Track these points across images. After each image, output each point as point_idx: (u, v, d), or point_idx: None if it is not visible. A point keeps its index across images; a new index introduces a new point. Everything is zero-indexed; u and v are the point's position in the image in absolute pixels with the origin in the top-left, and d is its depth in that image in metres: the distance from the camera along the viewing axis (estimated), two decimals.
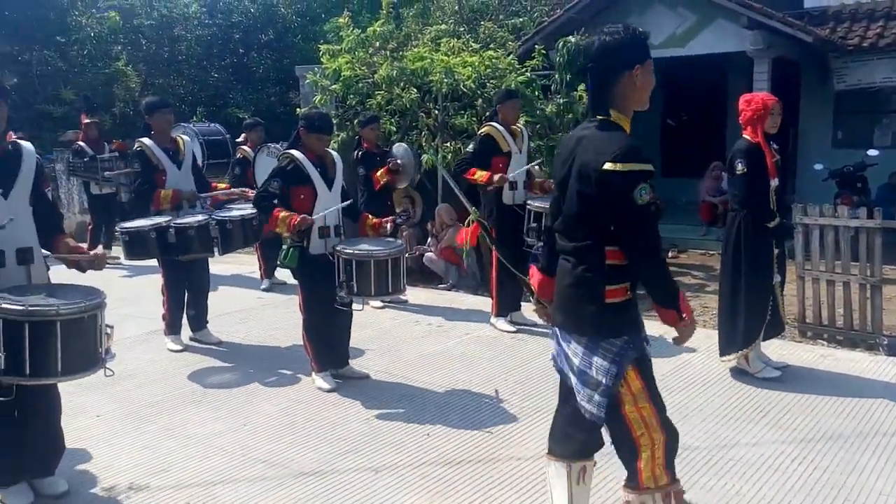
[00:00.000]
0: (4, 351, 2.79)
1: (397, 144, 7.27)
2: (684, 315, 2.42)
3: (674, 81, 12.24)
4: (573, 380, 2.46)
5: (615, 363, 2.35)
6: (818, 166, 10.17)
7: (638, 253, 2.33)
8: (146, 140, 5.10)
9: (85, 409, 4.20)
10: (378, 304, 6.27)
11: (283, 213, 4.28)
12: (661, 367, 4.75)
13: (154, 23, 16.58)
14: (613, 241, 2.34)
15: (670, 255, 9.34)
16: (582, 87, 7.81)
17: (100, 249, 4.90)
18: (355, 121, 7.37)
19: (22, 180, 3.12)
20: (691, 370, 4.65)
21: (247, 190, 5.73)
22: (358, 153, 6.70)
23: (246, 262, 7.98)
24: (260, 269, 7.57)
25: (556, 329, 2.53)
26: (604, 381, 2.35)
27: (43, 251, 3.21)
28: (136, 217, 5.11)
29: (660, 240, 2.39)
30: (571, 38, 8.02)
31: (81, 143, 9.39)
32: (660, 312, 2.41)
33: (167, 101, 5.67)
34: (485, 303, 6.42)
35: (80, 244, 3.50)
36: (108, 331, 3.02)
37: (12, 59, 14.15)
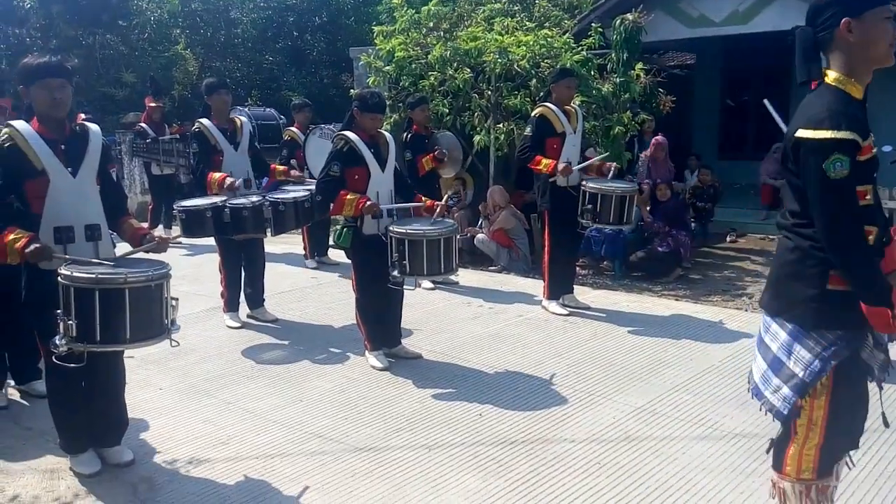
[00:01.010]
0: (76, 318, 2.89)
1: (443, 132, 7.24)
2: None
3: (735, 60, 11.86)
4: (762, 369, 2.27)
5: (821, 359, 2.12)
6: (887, 148, 9.70)
7: (827, 238, 2.05)
8: (204, 120, 5.22)
9: (148, 383, 4.35)
10: (429, 285, 6.29)
11: (349, 196, 4.33)
12: (718, 353, 4.67)
13: (211, 6, 16.87)
14: None
15: (729, 239, 9.10)
16: (639, 66, 7.65)
17: (160, 230, 5.00)
18: (406, 102, 7.38)
19: (89, 160, 3.21)
20: (750, 356, 4.51)
21: (291, 171, 5.80)
22: (407, 136, 6.70)
23: (300, 242, 8.09)
24: (305, 249, 7.70)
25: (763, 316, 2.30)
26: (801, 374, 2.14)
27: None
28: (195, 196, 5.25)
29: (856, 223, 2.05)
30: (629, 16, 7.82)
31: (144, 125, 9.69)
32: (866, 313, 2.05)
33: (225, 81, 5.79)
34: (536, 285, 6.39)
35: (142, 224, 3.60)
36: (174, 303, 3.11)
37: (76, 43, 14.59)
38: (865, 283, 2.04)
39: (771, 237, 9.19)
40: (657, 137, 8.45)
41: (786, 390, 2.19)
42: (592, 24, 7.99)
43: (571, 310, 5.61)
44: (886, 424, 2.33)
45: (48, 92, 3.07)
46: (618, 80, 7.60)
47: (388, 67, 8.14)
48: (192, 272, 7.06)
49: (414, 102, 6.82)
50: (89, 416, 3.32)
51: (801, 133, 2.06)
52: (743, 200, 10.49)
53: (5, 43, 15.04)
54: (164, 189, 9.57)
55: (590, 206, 5.25)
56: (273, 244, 6.62)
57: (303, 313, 5.85)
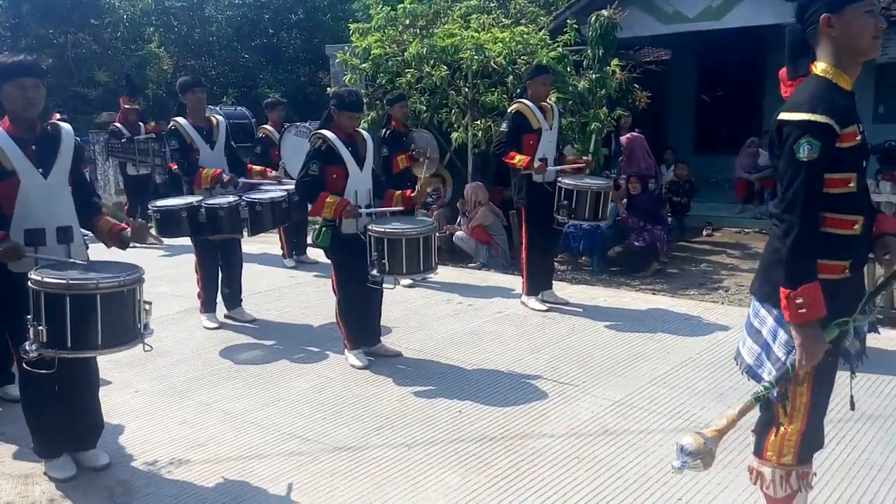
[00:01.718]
0: (46, 324, 2.83)
1: (419, 132, 7.22)
2: (801, 309, 2.07)
3: (709, 56, 11.98)
4: (756, 352, 2.31)
5: None
6: None
7: (781, 210, 2.12)
8: (180, 119, 5.17)
9: (125, 385, 4.29)
10: (408, 282, 6.28)
11: (330, 198, 4.31)
12: (695, 346, 4.72)
13: (185, 4, 16.67)
14: (834, 207, 2.14)
15: (705, 233, 9.20)
16: (615, 62, 7.71)
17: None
18: (384, 99, 7.35)
19: (61, 160, 3.17)
20: (726, 349, 4.59)
21: (267, 169, 5.76)
22: (385, 132, 6.69)
23: (276, 242, 8.03)
24: (282, 248, 7.66)
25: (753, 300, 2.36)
26: (783, 359, 2.21)
27: (82, 230, 3.28)
28: (170, 196, 5.19)
29: (811, 206, 2.10)
30: (604, 12, 7.88)
31: (118, 125, 9.59)
32: (781, 294, 2.13)
33: (200, 79, 5.72)
34: (515, 282, 6.42)
35: (119, 223, 3.53)
36: (147, 307, 3.06)
37: (47, 42, 14.35)
38: (790, 264, 2.10)
39: (746, 230, 9.32)
40: (629, 133, 8.49)
41: (775, 374, 2.25)
42: (568, 21, 8.02)
43: (550, 305, 5.64)
44: (853, 408, 2.43)
45: (21, 91, 3.02)
46: (593, 76, 7.66)
47: (364, 65, 8.11)
48: (169, 273, 6.98)
49: (392, 99, 6.82)
50: (63, 420, 3.27)
51: (782, 116, 2.14)
52: (718, 195, 10.62)
53: None
54: (140, 189, 9.48)
55: (566, 203, 5.28)
56: (250, 243, 6.57)
57: (281, 313, 5.82)
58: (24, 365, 2.96)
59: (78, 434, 3.33)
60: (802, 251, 2.10)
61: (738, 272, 7.42)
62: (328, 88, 9.18)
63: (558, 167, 5.50)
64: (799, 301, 2.07)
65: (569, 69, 7.71)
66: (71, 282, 2.85)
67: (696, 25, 9.41)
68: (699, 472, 3.10)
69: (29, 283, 2.87)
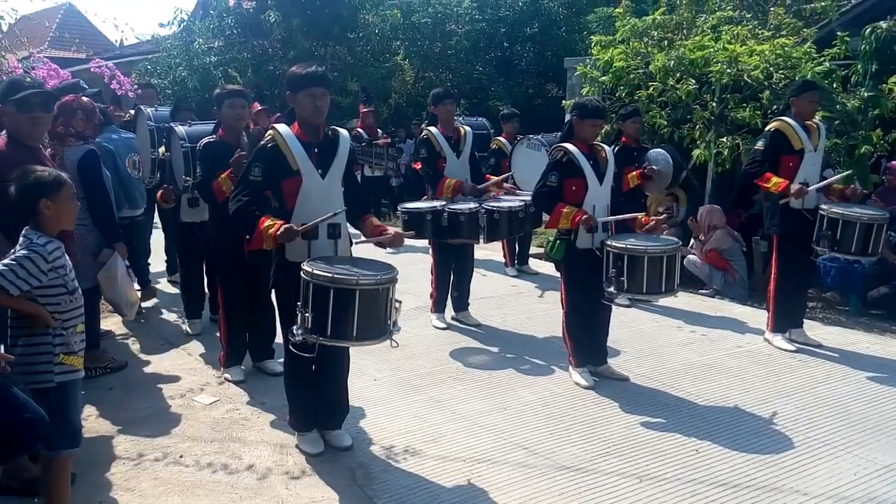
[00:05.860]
0: (312, 312, 3.08)
1: (656, 150, 6.88)
2: None
3: None
4: None
5: None
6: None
7: None
8: (432, 128, 5.45)
9: (363, 372, 4.56)
10: (625, 301, 5.97)
11: (566, 209, 4.28)
12: None
13: (430, 19, 17.59)
14: None
15: None
16: (893, 79, 6.79)
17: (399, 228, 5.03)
18: (617, 113, 7.14)
19: (337, 163, 3.46)
20: None
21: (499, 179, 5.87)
22: (615, 148, 6.47)
23: (499, 250, 8.15)
24: (505, 256, 7.74)
25: None
26: None
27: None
28: (408, 199, 5.50)
29: None
30: (882, 24, 6.97)
31: (360, 130, 10.44)
32: None
33: (451, 91, 5.97)
34: (755, 314, 5.92)
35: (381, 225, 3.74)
36: (397, 305, 3.23)
37: (310, 54, 15.88)
38: None
39: None
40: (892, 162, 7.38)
41: None
42: (838, 33, 7.21)
43: (799, 346, 5.09)
44: None
45: (311, 100, 3.35)
46: (865, 94, 6.81)
47: (604, 77, 7.96)
48: (401, 270, 7.34)
49: (626, 114, 6.59)
50: (316, 398, 3.56)
51: None
52: None
53: (251, 53, 16.83)
54: (375, 189, 10.24)
55: (828, 233, 4.72)
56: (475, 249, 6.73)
57: (504, 320, 5.87)
58: (290, 346, 3.25)
59: (327, 413, 3.62)
60: None
61: None
62: (563, 101, 9.19)
63: (821, 184, 4.92)
64: None
65: (835, 85, 6.93)
66: (336, 276, 3.07)
67: None
68: None
69: (301, 273, 3.14)
